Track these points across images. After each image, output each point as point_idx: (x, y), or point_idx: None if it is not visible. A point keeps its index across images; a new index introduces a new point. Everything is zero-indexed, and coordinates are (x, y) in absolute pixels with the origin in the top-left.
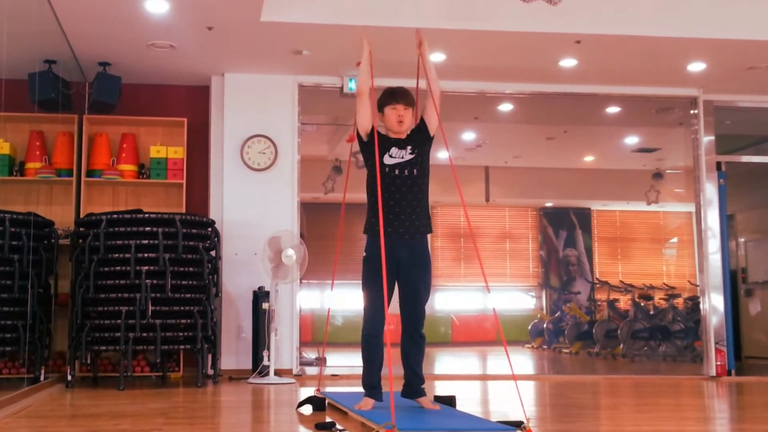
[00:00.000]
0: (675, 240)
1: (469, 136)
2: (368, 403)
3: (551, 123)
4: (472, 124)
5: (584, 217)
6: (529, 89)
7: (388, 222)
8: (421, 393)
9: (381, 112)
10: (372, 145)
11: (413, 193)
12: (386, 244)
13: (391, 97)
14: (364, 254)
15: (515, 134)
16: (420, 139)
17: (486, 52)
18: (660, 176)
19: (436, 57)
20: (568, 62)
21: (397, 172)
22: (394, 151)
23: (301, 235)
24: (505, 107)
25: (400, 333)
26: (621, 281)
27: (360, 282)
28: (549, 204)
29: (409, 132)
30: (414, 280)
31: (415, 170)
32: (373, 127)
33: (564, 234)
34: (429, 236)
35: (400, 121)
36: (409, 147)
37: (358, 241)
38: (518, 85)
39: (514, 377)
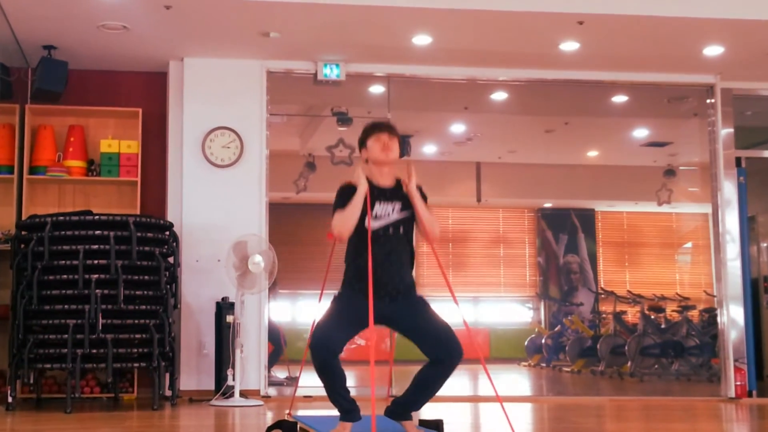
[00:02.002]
0: (689, 245)
1: (458, 128)
2: (345, 427)
3: (550, 114)
4: (461, 114)
5: (587, 219)
6: (525, 76)
7: (367, 280)
8: (410, 417)
9: (364, 147)
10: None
11: (397, 254)
12: (364, 299)
13: (373, 128)
14: (335, 293)
15: (510, 126)
16: (409, 203)
17: (477, 34)
18: (672, 173)
19: (422, 40)
20: (570, 45)
21: (381, 234)
22: (378, 208)
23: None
24: (499, 96)
25: (432, 361)
26: (629, 291)
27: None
28: (548, 205)
29: (398, 184)
30: (417, 312)
31: (401, 228)
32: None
33: (565, 238)
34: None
35: (384, 149)
36: (398, 203)
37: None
38: (513, 71)
39: (499, 399)
